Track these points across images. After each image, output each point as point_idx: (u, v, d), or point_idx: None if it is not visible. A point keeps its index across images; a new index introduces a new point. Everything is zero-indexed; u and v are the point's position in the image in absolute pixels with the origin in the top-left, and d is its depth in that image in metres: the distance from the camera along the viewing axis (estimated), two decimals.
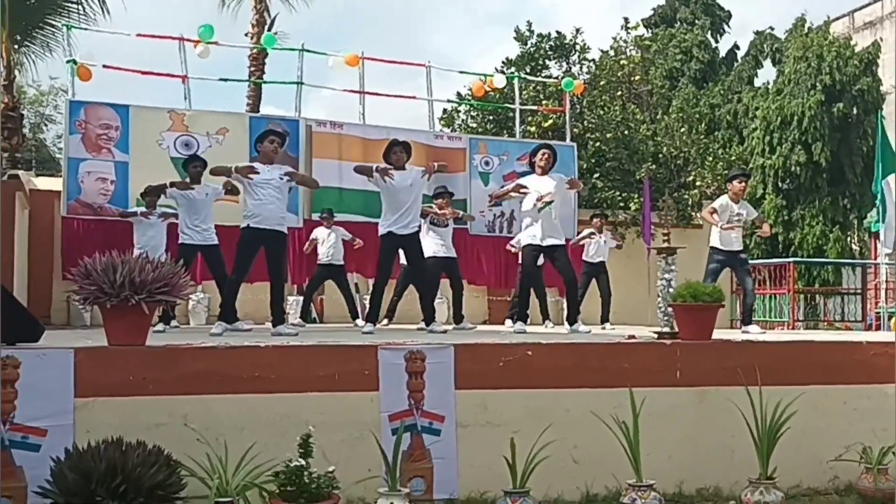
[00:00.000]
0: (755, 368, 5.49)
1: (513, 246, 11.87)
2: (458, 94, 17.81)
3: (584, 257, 11.78)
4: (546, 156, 8.60)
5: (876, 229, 13.31)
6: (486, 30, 57.45)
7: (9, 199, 9.56)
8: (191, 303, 11.50)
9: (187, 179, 9.38)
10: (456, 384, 5.36)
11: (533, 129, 15.59)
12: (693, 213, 15.00)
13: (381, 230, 8.27)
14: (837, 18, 28.75)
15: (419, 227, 8.77)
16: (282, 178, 7.81)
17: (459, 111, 17.95)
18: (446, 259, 10.22)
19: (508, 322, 11.10)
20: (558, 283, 11.74)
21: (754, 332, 8.95)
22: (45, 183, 12.28)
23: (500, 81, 14.35)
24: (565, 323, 9.55)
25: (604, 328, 11.05)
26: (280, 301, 8.01)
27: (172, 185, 9.34)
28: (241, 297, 8.39)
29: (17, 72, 15.18)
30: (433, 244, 10.17)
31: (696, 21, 29.36)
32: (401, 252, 8.88)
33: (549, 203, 8.36)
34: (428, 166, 8.49)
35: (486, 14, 57.90)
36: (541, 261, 8.86)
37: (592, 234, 11.82)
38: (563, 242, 8.62)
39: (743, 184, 9.49)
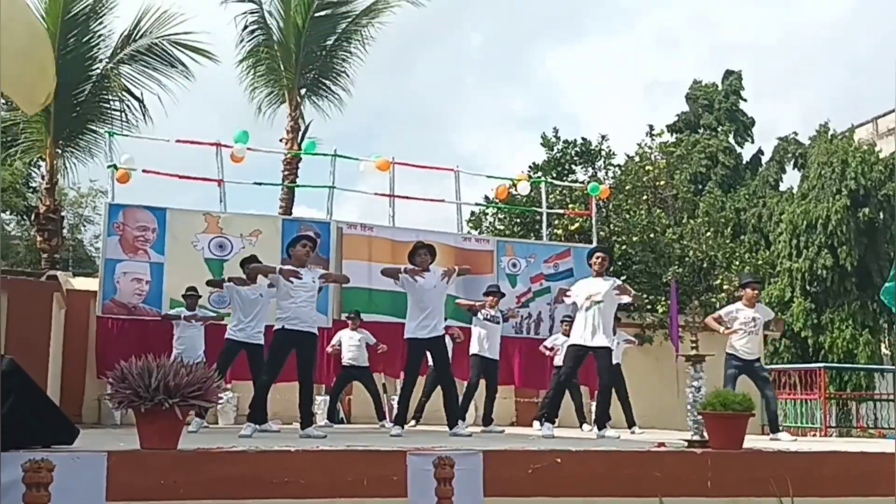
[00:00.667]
0: (787, 479, 5.42)
1: (546, 347, 11.87)
2: (486, 197, 18.14)
3: None
4: (600, 259, 8.65)
5: None
6: (514, 133, 58.72)
7: (47, 298, 9.78)
8: (219, 402, 11.55)
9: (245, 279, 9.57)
10: (484, 491, 5.31)
11: (560, 231, 15.78)
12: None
13: (407, 334, 8.40)
14: (861, 125, 29.11)
15: (445, 328, 8.85)
16: (315, 282, 7.99)
17: (487, 214, 18.23)
18: (488, 360, 10.29)
19: (536, 424, 11.04)
20: (591, 384, 11.75)
21: (785, 440, 8.83)
22: (81, 283, 12.54)
23: (524, 189, 14.62)
24: (594, 427, 9.50)
25: (632, 432, 10.93)
26: (309, 403, 8.03)
27: (230, 279, 9.47)
28: (269, 396, 8.45)
29: (59, 175, 15.72)
30: (479, 342, 10.29)
31: (720, 127, 29.85)
32: (428, 354, 8.96)
33: (598, 303, 8.40)
34: (448, 269, 8.60)
35: (515, 118, 59.27)
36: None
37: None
38: (609, 345, 8.62)
39: (757, 290, 9.62)
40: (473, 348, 10.46)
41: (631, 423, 11.52)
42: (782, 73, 55.97)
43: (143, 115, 15.76)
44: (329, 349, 11.54)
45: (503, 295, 11.09)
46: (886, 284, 12.77)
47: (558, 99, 61.31)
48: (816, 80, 56.26)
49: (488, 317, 10.37)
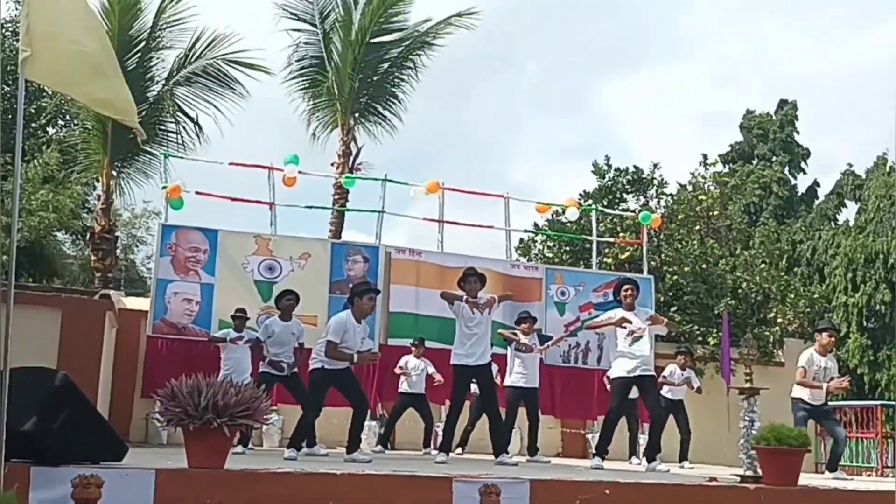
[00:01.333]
0: None
1: (608, 378, 11.67)
2: (535, 224, 18.05)
3: (662, 393, 11.53)
4: (630, 291, 8.59)
5: None
6: (567, 162, 58.50)
7: (99, 317, 9.90)
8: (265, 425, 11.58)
9: (278, 311, 9.66)
10: None
11: (610, 260, 15.63)
12: (774, 350, 14.69)
13: (454, 360, 8.40)
14: None
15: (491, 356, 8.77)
16: (364, 338, 8.13)
17: (536, 241, 18.14)
18: (526, 389, 10.19)
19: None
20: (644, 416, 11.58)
21: (841, 479, 8.59)
22: (133, 302, 12.70)
23: (573, 214, 14.54)
24: (642, 459, 9.33)
25: (682, 466, 10.73)
26: (360, 428, 8.07)
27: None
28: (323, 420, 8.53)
29: (115, 196, 16.00)
30: (515, 373, 10.20)
31: (775, 157, 29.44)
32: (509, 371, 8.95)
33: (640, 337, 8.33)
34: (489, 299, 8.56)
35: (568, 147, 59.06)
36: (633, 394, 8.74)
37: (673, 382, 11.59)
38: (653, 373, 8.53)
39: (833, 338, 9.38)
40: (508, 380, 10.38)
41: (683, 458, 11.30)
42: (839, 105, 55.10)
43: (198, 136, 16.01)
44: (397, 369, 11.37)
45: (535, 320, 10.95)
46: None
47: (612, 129, 61.01)
48: (874, 112, 55.29)
49: (518, 348, 10.27)
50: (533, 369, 10.35)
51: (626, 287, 8.66)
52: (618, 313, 8.62)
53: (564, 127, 59.92)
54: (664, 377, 11.52)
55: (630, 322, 8.40)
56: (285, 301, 9.66)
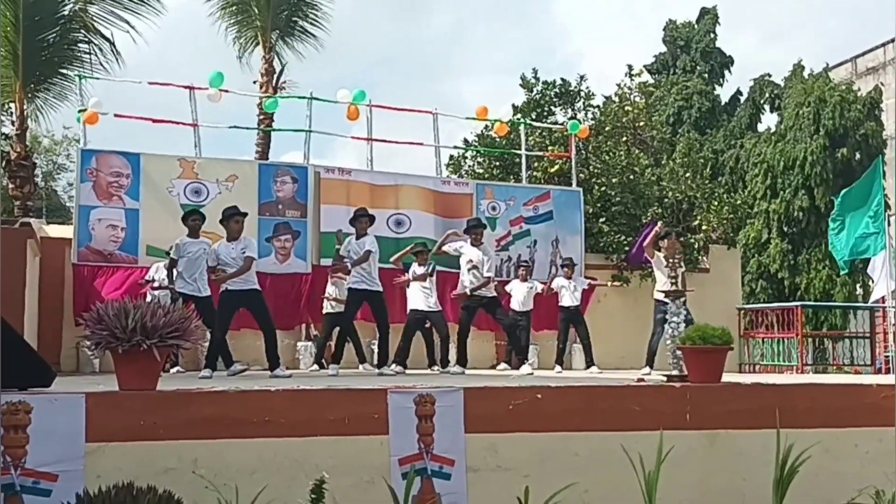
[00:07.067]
0: (766, 411, 5.48)
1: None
2: (465, 140, 17.96)
3: (559, 303, 11.91)
4: (476, 234, 10.19)
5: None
6: (508, 79, 58.11)
7: (20, 246, 9.64)
8: (199, 349, 11.49)
9: (186, 232, 9.36)
10: (466, 428, 5.34)
11: (539, 174, 15.67)
12: (699, 257, 15.04)
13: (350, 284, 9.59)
14: (840, 64, 29.04)
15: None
16: (243, 251, 8.65)
17: (466, 157, 18.07)
18: (426, 312, 10.45)
19: (557, 367, 11.79)
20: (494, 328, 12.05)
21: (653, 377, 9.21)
22: (56, 230, 12.38)
23: (504, 128, 14.55)
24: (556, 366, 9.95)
25: (591, 373, 11.06)
26: (274, 347, 8.64)
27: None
28: (250, 343, 8.64)
29: (30, 121, 15.38)
30: (415, 298, 10.37)
31: (697, 68, 29.60)
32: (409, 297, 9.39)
33: (474, 268, 9.94)
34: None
35: (520, 63, 58.53)
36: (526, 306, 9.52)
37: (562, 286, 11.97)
38: (494, 295, 10.28)
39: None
40: (412, 304, 10.50)
41: (590, 364, 11.63)
42: (787, 14, 55.34)
43: (115, 56, 15.31)
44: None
45: (428, 250, 10.98)
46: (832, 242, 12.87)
47: (563, 44, 60.58)
48: (817, 24, 55.74)
49: (415, 276, 10.42)
50: (431, 293, 10.49)
51: (475, 230, 10.25)
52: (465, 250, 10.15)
53: (517, 44, 59.29)
54: (553, 290, 11.92)
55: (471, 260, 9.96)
56: (191, 221, 9.34)
